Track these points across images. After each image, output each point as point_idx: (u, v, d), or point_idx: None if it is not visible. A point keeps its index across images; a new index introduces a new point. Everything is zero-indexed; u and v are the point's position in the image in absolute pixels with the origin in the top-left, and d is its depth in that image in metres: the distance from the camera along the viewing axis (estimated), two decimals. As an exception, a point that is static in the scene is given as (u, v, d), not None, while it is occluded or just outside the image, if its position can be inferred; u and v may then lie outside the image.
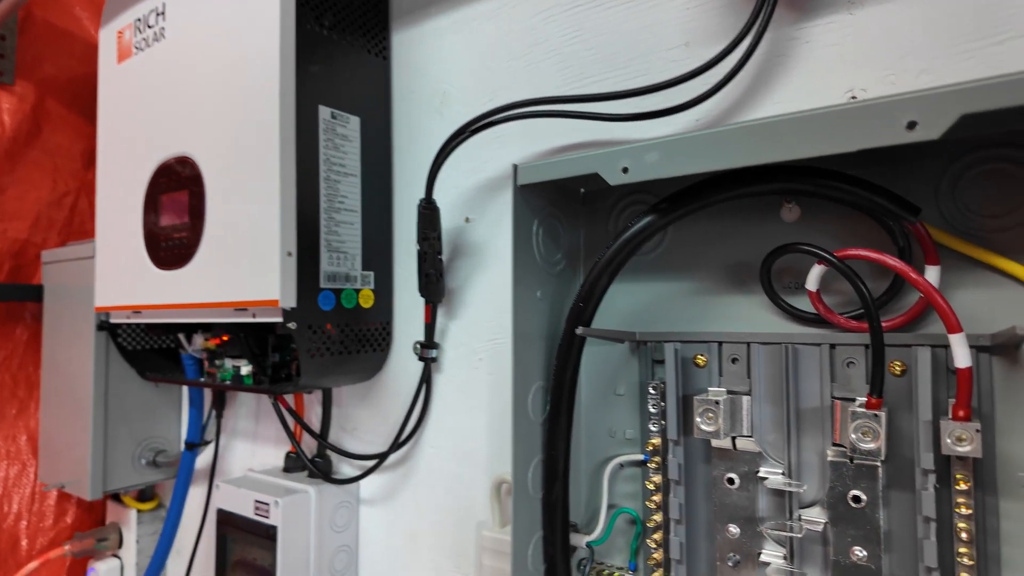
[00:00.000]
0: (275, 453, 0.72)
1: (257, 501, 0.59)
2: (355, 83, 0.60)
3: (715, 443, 0.41)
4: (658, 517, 0.43)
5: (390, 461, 0.62)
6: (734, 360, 0.42)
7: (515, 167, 0.43)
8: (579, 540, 0.46)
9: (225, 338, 0.64)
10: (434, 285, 0.56)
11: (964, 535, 0.33)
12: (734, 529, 0.41)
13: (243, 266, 0.55)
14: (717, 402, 0.39)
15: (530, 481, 0.44)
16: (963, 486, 0.34)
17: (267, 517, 0.58)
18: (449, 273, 0.58)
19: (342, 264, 0.58)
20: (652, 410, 0.44)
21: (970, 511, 0.33)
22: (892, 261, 0.34)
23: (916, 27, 0.38)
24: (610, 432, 0.48)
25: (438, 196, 0.55)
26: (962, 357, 0.32)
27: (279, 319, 0.54)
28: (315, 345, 0.55)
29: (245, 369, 0.63)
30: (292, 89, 0.54)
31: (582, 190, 0.50)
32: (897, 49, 0.38)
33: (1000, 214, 0.35)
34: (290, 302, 0.53)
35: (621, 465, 0.47)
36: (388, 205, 0.63)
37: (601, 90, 0.49)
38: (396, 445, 0.59)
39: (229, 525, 0.63)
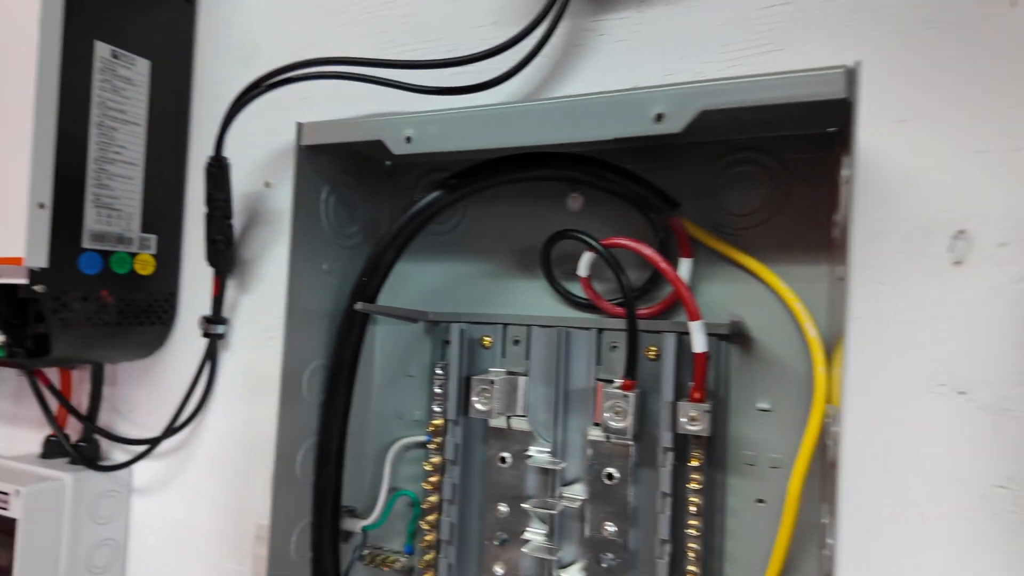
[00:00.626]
0: (38, 438, 0.63)
1: (-7, 491, 0.51)
2: (150, 23, 0.53)
3: (492, 423, 0.41)
4: (434, 498, 0.43)
5: (167, 447, 0.56)
6: (516, 342, 0.43)
7: (299, 125, 0.40)
8: (356, 525, 0.45)
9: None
10: (221, 253, 0.51)
11: (693, 508, 0.36)
12: (503, 508, 0.41)
13: (-21, 216, 0.47)
14: (492, 382, 0.39)
15: (299, 464, 0.41)
16: (695, 463, 0.36)
17: (6, 509, 0.50)
18: (244, 242, 0.54)
19: (114, 223, 0.51)
20: (437, 390, 0.44)
21: (700, 486, 0.36)
22: (646, 250, 0.36)
23: (693, 32, 0.40)
24: (399, 414, 0.47)
25: (236, 157, 0.51)
26: (699, 343, 0.34)
27: (24, 280, 0.46)
28: (73, 314, 0.48)
29: (-4, 339, 0.54)
30: (59, 15, 0.47)
31: (387, 163, 0.48)
32: (676, 50, 0.40)
33: (746, 213, 0.38)
34: (39, 261, 0.46)
35: (406, 447, 0.46)
36: (182, 162, 0.57)
37: (409, 59, 0.48)
38: (172, 430, 0.54)
39: (-43, 520, 0.53)
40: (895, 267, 0.34)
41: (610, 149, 0.36)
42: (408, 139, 0.37)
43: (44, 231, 0.46)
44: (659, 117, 0.30)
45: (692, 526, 0.36)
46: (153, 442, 0.54)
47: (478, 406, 0.40)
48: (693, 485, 0.36)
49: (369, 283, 0.40)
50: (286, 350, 0.40)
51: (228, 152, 0.50)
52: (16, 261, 0.45)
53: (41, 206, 0.46)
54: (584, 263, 0.39)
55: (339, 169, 0.43)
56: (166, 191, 0.55)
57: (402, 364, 0.47)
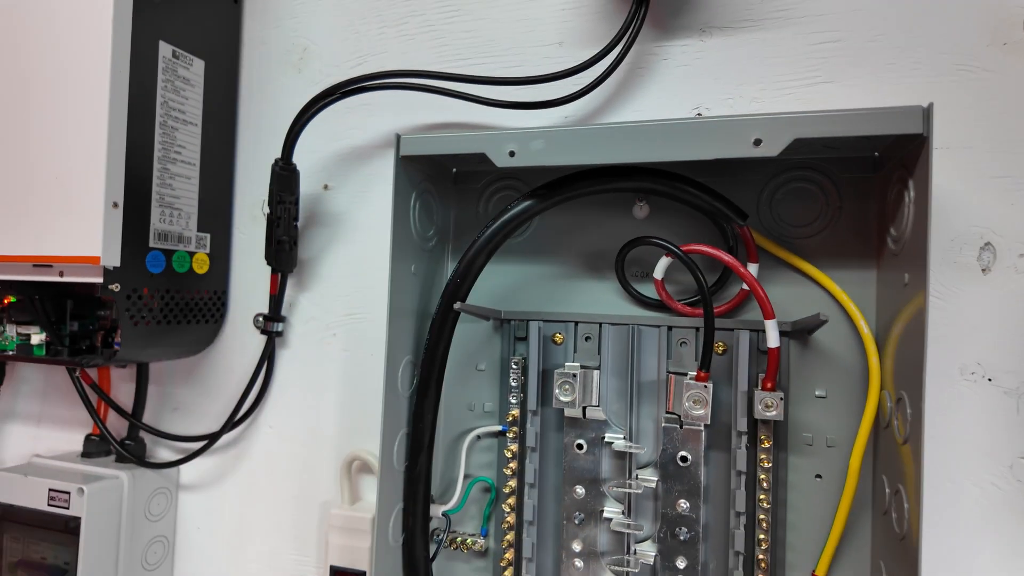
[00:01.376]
0: (67, 438, 0.62)
1: (52, 490, 0.50)
2: (201, 22, 0.54)
3: (568, 413, 0.45)
4: (513, 483, 0.46)
5: (218, 444, 0.57)
6: (587, 338, 0.47)
7: (398, 137, 0.42)
8: (435, 511, 0.47)
9: (8, 300, 0.54)
10: (286, 253, 0.53)
11: (764, 483, 0.41)
12: (580, 490, 0.45)
13: (50, 214, 0.47)
14: (574, 375, 0.43)
15: (395, 454, 0.44)
16: (766, 444, 0.41)
17: (67, 508, 0.50)
18: (301, 242, 0.55)
19: (175, 222, 0.52)
20: (513, 384, 0.47)
21: (769, 464, 0.41)
22: (726, 256, 0.40)
23: (752, 61, 0.45)
24: (469, 406, 0.50)
25: (294, 159, 0.52)
26: (773, 339, 0.39)
27: (98, 279, 0.47)
28: (140, 312, 0.49)
29: (37, 338, 0.53)
30: (129, 15, 0.47)
31: (454, 170, 0.50)
32: (736, 77, 0.45)
33: (803, 224, 0.43)
34: (113, 260, 0.47)
35: (479, 437, 0.49)
36: (230, 162, 0.58)
37: (476, 74, 0.51)
38: (230, 424, 0.55)
39: (6, 520, 0.53)
40: (936, 273, 0.40)
41: (679, 163, 0.41)
42: (512, 153, 0.40)
43: (117, 230, 0.47)
44: (757, 142, 0.35)
45: (763, 499, 0.41)
46: (211, 438, 0.55)
47: (561, 398, 0.43)
48: (764, 464, 0.41)
49: (461, 284, 0.43)
50: (389, 346, 0.42)
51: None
52: (92, 260, 0.46)
53: (115, 205, 0.47)
54: (661, 266, 0.43)
55: (424, 177, 0.46)
56: (218, 191, 0.56)
57: (472, 359, 0.50)
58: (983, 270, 0.40)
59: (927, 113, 0.32)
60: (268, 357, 0.55)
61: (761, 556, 0.41)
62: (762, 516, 0.41)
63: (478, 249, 0.43)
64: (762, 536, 0.41)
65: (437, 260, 0.49)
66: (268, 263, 0.54)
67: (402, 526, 0.45)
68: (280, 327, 0.55)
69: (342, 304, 0.54)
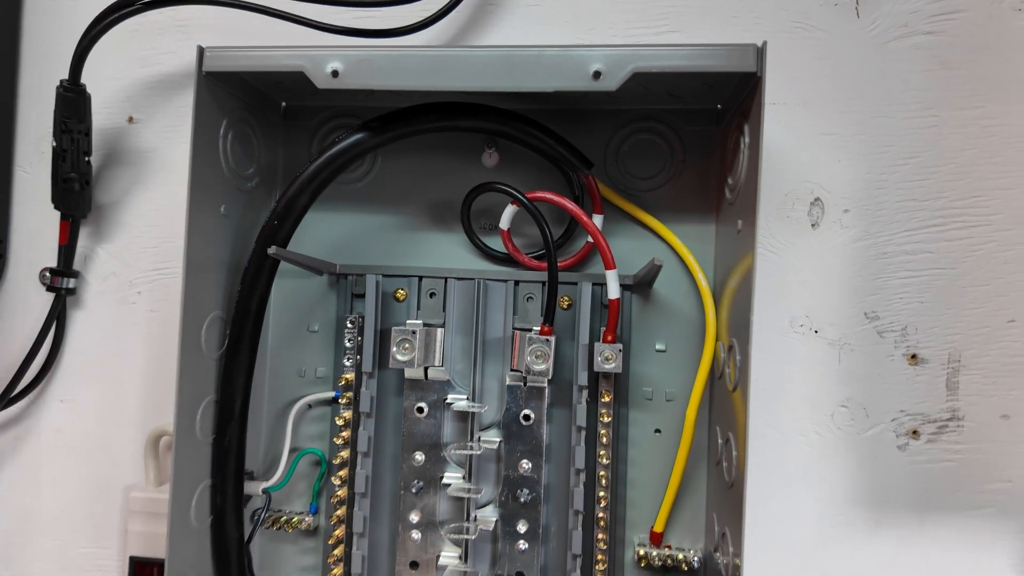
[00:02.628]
0: None
1: None
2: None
3: (408, 374, 0.41)
4: (345, 454, 0.42)
5: (-4, 421, 0.47)
6: (432, 295, 0.43)
7: (200, 48, 0.36)
8: (255, 488, 0.42)
9: None
10: (75, 194, 0.44)
11: (604, 439, 0.40)
12: (420, 457, 0.41)
13: None
14: (414, 332, 0.39)
15: (199, 424, 0.38)
16: (606, 399, 0.40)
17: None
18: (99, 185, 0.47)
19: (-76, 152, 0.42)
20: (348, 344, 0.42)
21: (609, 419, 0.40)
22: (570, 204, 0.38)
23: (604, 6, 0.43)
24: (300, 372, 0.44)
25: (94, 85, 0.44)
26: (614, 290, 0.38)
27: None
28: None
29: None
30: None
31: (283, 104, 0.45)
32: (586, 22, 0.43)
33: (647, 177, 0.42)
34: None
35: (309, 405, 0.44)
36: (11, 86, 0.48)
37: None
38: (6, 399, 0.46)
39: None
40: (769, 227, 0.41)
41: (526, 109, 0.38)
42: (335, 73, 0.35)
43: None
44: (597, 75, 0.33)
45: (602, 455, 0.40)
46: (-22, 417, 0.45)
47: (399, 357, 0.40)
48: (604, 419, 0.40)
49: (280, 227, 0.38)
50: (186, 299, 0.36)
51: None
52: None
53: None
54: (507, 216, 0.40)
55: (239, 104, 0.40)
56: (-9, 116, 0.46)
57: (303, 320, 0.44)
58: (812, 225, 0.41)
59: (761, 52, 0.32)
60: (57, 318, 0.46)
61: (601, 514, 0.40)
62: (602, 473, 0.40)
63: (301, 186, 0.38)
64: (602, 493, 0.40)
65: (259, 206, 0.43)
66: (56, 207, 0.45)
67: (209, 506, 0.39)
68: (72, 283, 0.46)
69: (148, 257, 0.47)
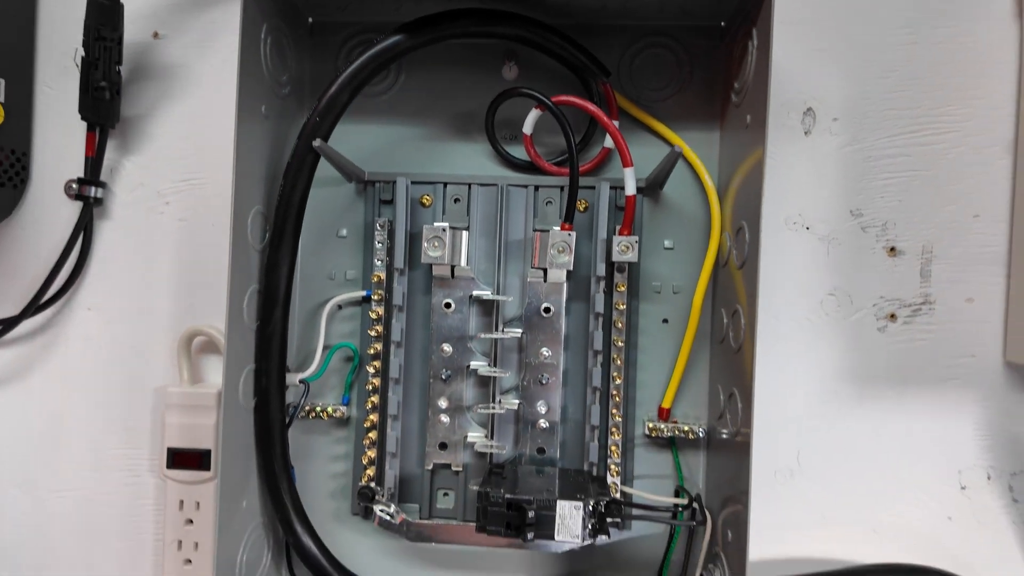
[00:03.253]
0: None
1: None
2: None
3: (436, 271, 0.44)
4: (378, 346, 0.45)
5: (20, 332, 0.48)
6: (456, 200, 0.46)
7: (245, -49, 0.37)
8: (292, 379, 0.45)
9: None
10: (106, 103, 0.46)
11: (619, 325, 0.44)
12: (448, 348, 0.45)
13: None
14: (444, 229, 0.42)
15: (245, 311, 0.40)
16: (621, 288, 0.44)
17: None
18: (125, 99, 0.48)
19: (-47, 54, 0.42)
20: (378, 246, 0.45)
21: (623, 307, 0.44)
22: (591, 106, 0.41)
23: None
24: (330, 275, 0.47)
25: None
26: (630, 186, 0.41)
27: None
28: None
29: None
30: None
31: (310, 20, 0.47)
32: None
33: (658, 88, 0.45)
34: None
35: (340, 306, 0.47)
36: (31, 2, 0.48)
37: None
38: (35, 307, 0.47)
39: None
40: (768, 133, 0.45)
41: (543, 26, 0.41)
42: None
43: None
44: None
45: (616, 340, 0.44)
46: (7, 323, 0.47)
47: (431, 253, 0.42)
48: (619, 306, 0.44)
49: (320, 124, 0.40)
50: (236, 191, 0.38)
51: (116, -15, 0.44)
52: None
53: None
54: (530, 121, 0.43)
55: (274, 12, 0.41)
56: (13, 26, 0.47)
57: (333, 226, 0.47)
58: (805, 132, 0.45)
59: (770, -44, 0.35)
60: (85, 228, 0.48)
61: (615, 392, 0.44)
62: (616, 356, 0.44)
63: (341, 85, 0.40)
64: (616, 374, 0.44)
65: (291, 115, 0.45)
66: (83, 116, 0.46)
67: (254, 388, 0.41)
68: (99, 193, 0.47)
69: (176, 168, 0.48)
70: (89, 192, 0.47)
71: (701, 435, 0.44)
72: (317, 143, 0.39)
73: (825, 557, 0.44)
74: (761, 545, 0.44)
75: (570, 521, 0.37)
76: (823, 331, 0.45)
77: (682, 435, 0.44)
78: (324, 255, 0.47)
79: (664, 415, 0.45)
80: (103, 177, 0.48)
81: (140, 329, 0.48)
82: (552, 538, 0.37)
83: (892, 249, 0.44)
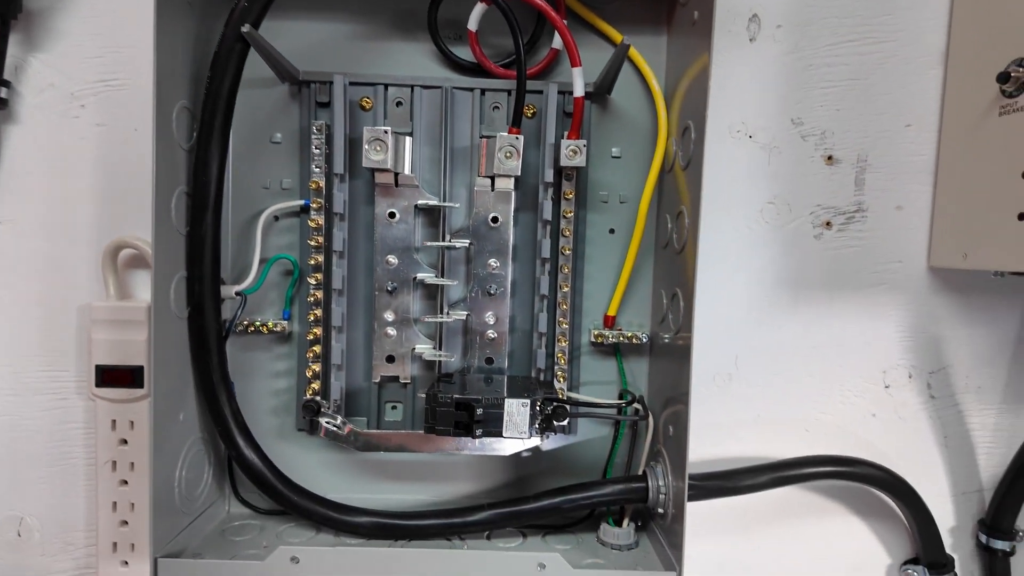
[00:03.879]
0: None
1: None
2: None
3: (379, 179, 0.43)
4: (319, 257, 0.43)
5: (-77, 247, 0.44)
6: (398, 103, 0.44)
7: None
8: (228, 291, 0.43)
9: None
10: (4, -10, 0.41)
11: (566, 233, 0.43)
12: (393, 259, 0.44)
13: None
14: (386, 131, 0.41)
15: (173, 213, 0.38)
16: (569, 196, 0.43)
17: None
18: (27, -11, 0.43)
19: None
20: (316, 151, 0.43)
21: (571, 214, 0.43)
22: (541, 1, 0.40)
23: None
24: (264, 184, 0.45)
25: None
26: (579, 87, 0.41)
27: None
28: None
29: None
30: None
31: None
32: None
33: (606, -9, 0.44)
34: None
35: (276, 217, 0.45)
36: None
37: None
38: (-63, 218, 0.43)
39: None
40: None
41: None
42: None
43: None
44: None
45: (564, 247, 0.44)
46: (-93, 234, 0.43)
47: (372, 156, 0.41)
48: (566, 214, 0.43)
49: (251, 7, 0.37)
50: (158, 85, 0.35)
51: None
52: None
53: None
54: (475, 16, 0.42)
55: None
56: None
57: (265, 131, 0.44)
58: (750, 39, 0.45)
59: None
60: (-12, 133, 0.43)
61: (562, 300, 0.44)
62: (563, 264, 0.44)
63: (270, -32, 0.37)
64: (563, 282, 0.44)
65: (218, 7, 0.42)
66: (-23, 6, 0.41)
67: (187, 297, 0.39)
68: (3, 92, 0.43)
69: (92, 68, 0.44)
70: (-9, 92, 0.43)
71: (645, 341, 0.45)
72: (246, 28, 0.36)
73: (760, 455, 0.46)
74: (701, 444, 0.46)
75: (518, 418, 0.37)
76: (762, 238, 0.46)
77: (626, 341, 0.45)
78: (258, 163, 0.44)
79: (609, 323, 0.45)
80: (6, 76, 0.44)
81: (59, 243, 0.45)
82: (500, 435, 0.38)
83: (830, 158, 0.46)
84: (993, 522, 0.46)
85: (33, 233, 0.45)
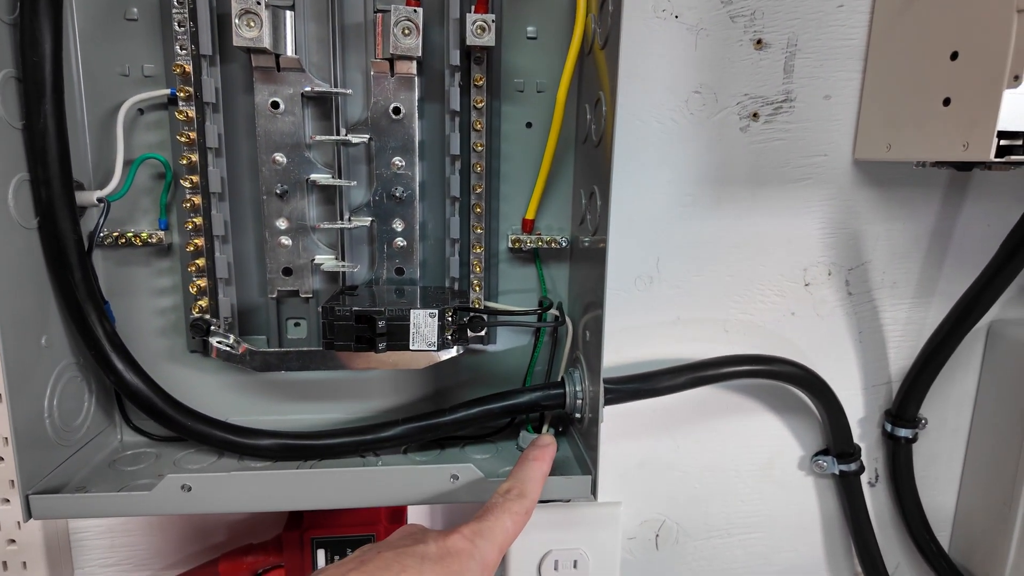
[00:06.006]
0: None
1: None
2: None
3: (257, 62, 0.37)
4: (194, 157, 0.38)
5: None
6: (276, -28, 0.38)
7: None
8: (88, 198, 0.37)
9: None
10: None
11: (478, 126, 0.39)
12: (280, 158, 0.39)
13: None
14: (259, 2, 0.35)
15: (1, 100, 0.31)
16: (479, 82, 0.39)
17: None
18: None
19: None
20: (178, 29, 0.36)
21: (482, 104, 0.39)
22: None
23: None
24: (123, 71, 0.38)
25: None
26: (484, -48, 0.35)
27: None
28: None
29: None
30: None
31: None
32: None
33: None
34: None
35: (141, 111, 0.39)
36: None
37: None
38: None
39: None
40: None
41: None
42: None
43: None
44: None
45: (476, 143, 0.40)
46: None
47: (244, 33, 0.35)
48: (477, 103, 0.39)
49: None
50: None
51: None
52: None
53: None
54: None
55: None
56: None
57: (118, 6, 0.37)
58: (677, -97, 0.40)
59: None
60: None
61: (475, 203, 0.40)
62: (476, 162, 0.40)
63: None
64: (476, 183, 0.40)
65: None
66: None
67: (33, 204, 0.34)
68: None
69: None
70: None
71: (564, 245, 0.42)
72: None
73: (680, 356, 0.46)
74: (622, 347, 0.45)
75: (425, 330, 0.35)
76: (687, 131, 0.43)
77: (545, 246, 0.42)
78: (111, 44, 0.38)
79: (528, 227, 0.42)
80: None
81: None
82: (407, 348, 0.35)
83: (759, 42, 0.42)
84: (899, 412, 0.47)
85: None
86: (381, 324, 0.34)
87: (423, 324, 0.35)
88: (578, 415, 0.39)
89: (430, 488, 0.36)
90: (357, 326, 0.34)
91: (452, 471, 0.36)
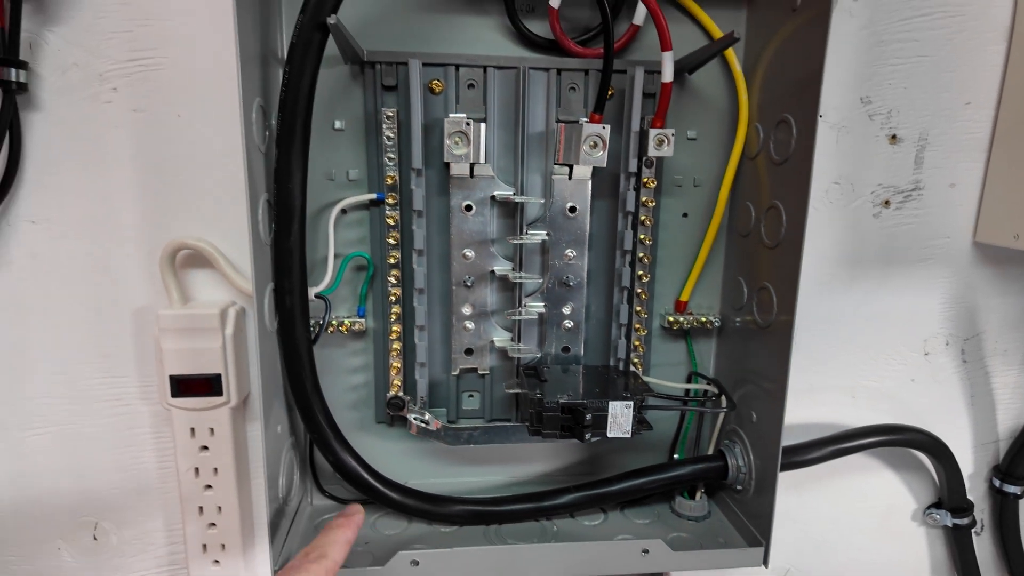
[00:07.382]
0: None
1: None
2: None
3: (455, 171, 0.41)
4: (397, 254, 0.42)
5: (-54, 252, 0.40)
6: (471, 85, 0.41)
7: None
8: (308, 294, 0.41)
9: None
10: (16, -43, 0.35)
11: (646, 222, 0.43)
12: (470, 253, 0.42)
13: None
14: (468, 123, 0.38)
15: (261, 223, 0.35)
16: (650, 185, 0.43)
17: None
18: (31, -52, 0.37)
19: None
20: (388, 141, 0.40)
21: (652, 204, 0.43)
22: (632, -19, 0.37)
23: None
24: (328, 175, 0.42)
25: None
26: (668, 72, 0.39)
27: None
28: None
29: None
30: None
31: None
32: None
33: (688, -37, 0.42)
34: None
35: (344, 211, 0.42)
36: None
37: None
38: (-38, 222, 0.39)
39: None
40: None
41: None
42: None
43: None
44: None
45: (643, 238, 0.43)
46: (-67, 243, 0.38)
47: (455, 151, 0.39)
48: (647, 204, 0.43)
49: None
50: (244, 88, 0.32)
51: None
52: None
53: None
54: (558, -7, 0.39)
55: None
56: None
57: (325, 117, 0.41)
58: (826, 15, 0.44)
59: None
60: (10, 121, 0.38)
61: (640, 290, 0.44)
62: (641, 254, 0.44)
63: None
64: (642, 272, 0.44)
65: (273, -18, 0.37)
66: (-21, -26, 0.35)
67: (275, 308, 0.38)
68: (21, 76, 0.38)
69: (120, 44, 0.39)
70: (9, 75, 0.37)
71: (717, 325, 0.46)
72: (333, 19, 0.33)
73: (813, 421, 0.50)
74: (761, 415, 0.49)
75: (621, 419, 0.38)
76: (826, 217, 0.47)
77: (699, 326, 0.46)
78: (319, 151, 0.41)
79: (681, 307, 0.46)
80: (25, 56, 0.38)
81: (101, 243, 0.42)
82: (604, 436, 0.39)
83: (893, 137, 0.46)
84: (1008, 469, 0.51)
85: (73, 233, 0.41)
86: (588, 417, 0.38)
87: (620, 414, 0.39)
88: (739, 487, 0.43)
89: (623, 562, 0.40)
90: (562, 416, 0.38)
91: (643, 546, 0.40)
